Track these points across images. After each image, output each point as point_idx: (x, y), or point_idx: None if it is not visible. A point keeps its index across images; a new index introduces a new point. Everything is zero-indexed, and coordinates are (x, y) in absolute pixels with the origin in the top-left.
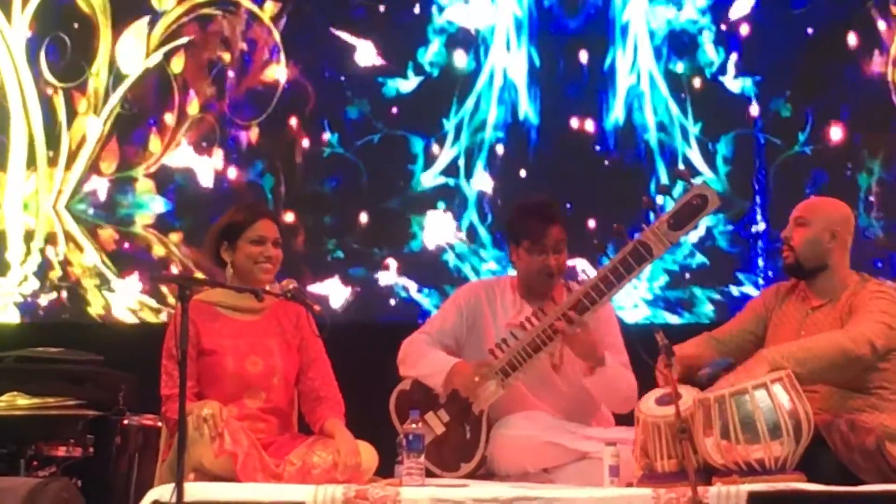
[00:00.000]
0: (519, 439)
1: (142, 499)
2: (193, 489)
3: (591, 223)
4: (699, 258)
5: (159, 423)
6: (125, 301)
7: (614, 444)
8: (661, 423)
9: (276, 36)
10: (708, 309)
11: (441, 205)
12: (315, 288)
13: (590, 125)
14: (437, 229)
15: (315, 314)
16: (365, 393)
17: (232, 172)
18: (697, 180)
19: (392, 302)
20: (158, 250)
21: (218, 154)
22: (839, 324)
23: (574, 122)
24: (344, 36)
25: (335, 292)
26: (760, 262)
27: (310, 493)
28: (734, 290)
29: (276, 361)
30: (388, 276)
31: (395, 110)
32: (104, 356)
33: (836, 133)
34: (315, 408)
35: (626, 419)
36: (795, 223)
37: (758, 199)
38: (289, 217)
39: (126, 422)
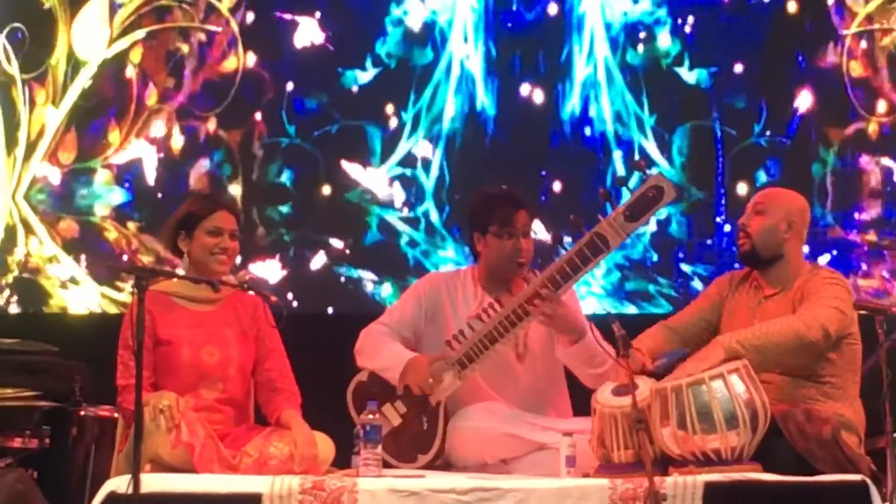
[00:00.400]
0: (477, 431)
1: (98, 490)
2: (150, 480)
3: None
4: (654, 249)
5: (116, 414)
6: (84, 292)
7: (571, 434)
8: (618, 413)
9: (235, 27)
10: (662, 300)
11: (399, 195)
12: (273, 278)
13: (546, 116)
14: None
15: (272, 305)
16: (321, 384)
17: (190, 163)
18: (653, 171)
19: (349, 292)
20: (117, 240)
21: (177, 144)
22: (791, 311)
23: (531, 114)
24: (303, 27)
25: (291, 282)
26: (715, 254)
27: (266, 484)
28: (690, 281)
29: (232, 352)
30: (345, 266)
31: (352, 101)
32: (60, 347)
33: (790, 124)
34: (271, 399)
35: (584, 409)
36: (754, 210)
37: (715, 189)
38: (246, 207)
39: (82, 413)
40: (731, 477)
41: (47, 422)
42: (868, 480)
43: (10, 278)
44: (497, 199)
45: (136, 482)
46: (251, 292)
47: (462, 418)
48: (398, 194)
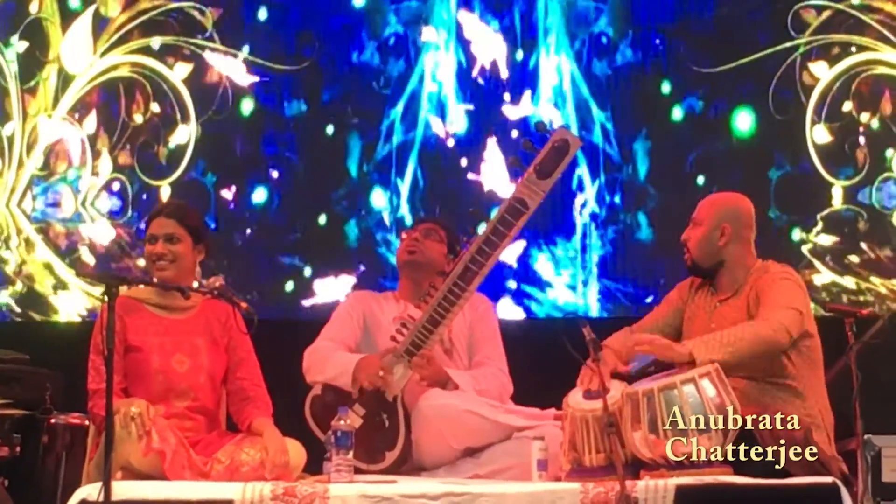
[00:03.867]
0: (439, 409)
1: (69, 498)
2: (121, 488)
3: None
4: (618, 252)
5: (86, 422)
6: (77, 298)
7: (542, 437)
8: (589, 416)
9: (217, 38)
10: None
11: (377, 201)
12: (259, 283)
13: (515, 123)
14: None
15: (242, 311)
16: (292, 390)
17: (177, 171)
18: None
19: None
20: (108, 248)
21: (162, 154)
22: (745, 312)
23: (500, 120)
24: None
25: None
26: None
27: (238, 491)
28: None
29: (202, 361)
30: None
31: (330, 110)
32: (53, 354)
33: (747, 127)
34: (243, 408)
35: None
36: (691, 223)
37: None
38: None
39: (53, 420)
40: (702, 480)
41: (17, 430)
42: (839, 482)
43: (6, 286)
44: None
45: (107, 490)
46: (221, 298)
47: (425, 399)
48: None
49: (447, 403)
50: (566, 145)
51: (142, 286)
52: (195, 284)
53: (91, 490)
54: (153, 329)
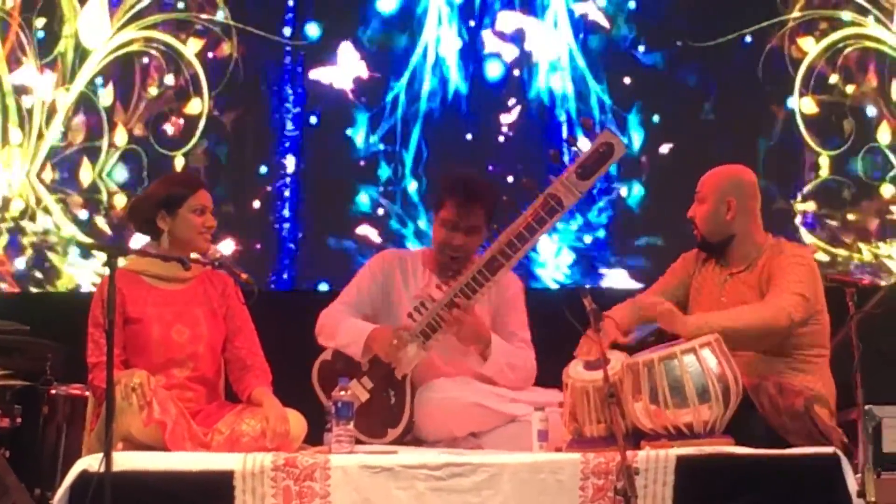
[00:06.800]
0: (445, 401)
1: (70, 468)
2: (122, 458)
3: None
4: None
5: (87, 393)
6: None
7: (543, 408)
8: (590, 387)
9: (228, 15)
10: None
11: (382, 172)
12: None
13: (515, 95)
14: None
15: (242, 283)
16: (293, 361)
17: (190, 142)
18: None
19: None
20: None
21: (177, 125)
22: (757, 289)
23: (500, 93)
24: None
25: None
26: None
27: (238, 462)
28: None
29: (201, 330)
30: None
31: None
32: (31, 325)
33: (738, 101)
34: (242, 376)
35: (555, 383)
36: (696, 200)
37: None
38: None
39: (53, 391)
40: (703, 450)
41: (18, 401)
42: (840, 452)
43: (25, 255)
44: (454, 188)
45: (108, 461)
46: (222, 269)
47: (429, 389)
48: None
49: (452, 397)
50: (611, 149)
51: (140, 257)
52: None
53: (92, 461)
54: (152, 300)
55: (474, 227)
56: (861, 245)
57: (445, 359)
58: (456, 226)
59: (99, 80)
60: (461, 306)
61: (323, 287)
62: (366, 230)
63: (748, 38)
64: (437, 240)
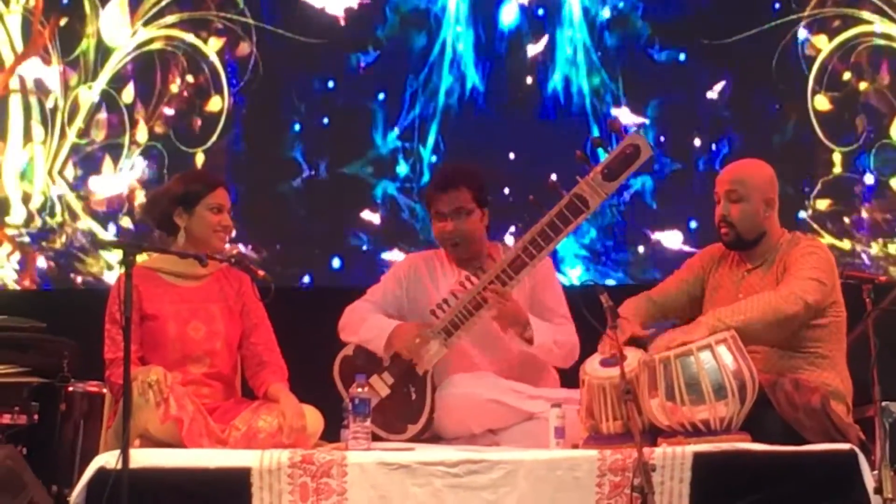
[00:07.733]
0: (463, 398)
1: (88, 465)
2: (139, 455)
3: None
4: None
5: (104, 390)
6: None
7: (559, 405)
8: (606, 384)
9: (247, 12)
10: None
11: (401, 167)
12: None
13: (531, 93)
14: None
15: (258, 280)
16: (310, 358)
17: (209, 140)
18: (630, 130)
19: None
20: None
21: (196, 123)
22: (774, 284)
23: (517, 91)
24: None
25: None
26: (693, 224)
27: (255, 458)
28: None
29: (218, 327)
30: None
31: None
32: (49, 322)
33: (752, 97)
34: (258, 373)
35: (572, 381)
36: (729, 199)
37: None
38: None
39: (70, 388)
40: (719, 447)
41: (36, 398)
42: (857, 449)
43: (45, 253)
44: (431, 182)
45: (125, 457)
46: (238, 267)
47: (449, 385)
48: (399, 166)
49: (472, 393)
50: (637, 151)
51: (157, 255)
52: None
53: (109, 457)
54: (168, 297)
55: (459, 209)
56: (874, 242)
57: (477, 348)
58: (442, 214)
59: (120, 78)
60: (488, 300)
61: (340, 284)
62: (384, 227)
63: (763, 36)
64: (434, 235)
